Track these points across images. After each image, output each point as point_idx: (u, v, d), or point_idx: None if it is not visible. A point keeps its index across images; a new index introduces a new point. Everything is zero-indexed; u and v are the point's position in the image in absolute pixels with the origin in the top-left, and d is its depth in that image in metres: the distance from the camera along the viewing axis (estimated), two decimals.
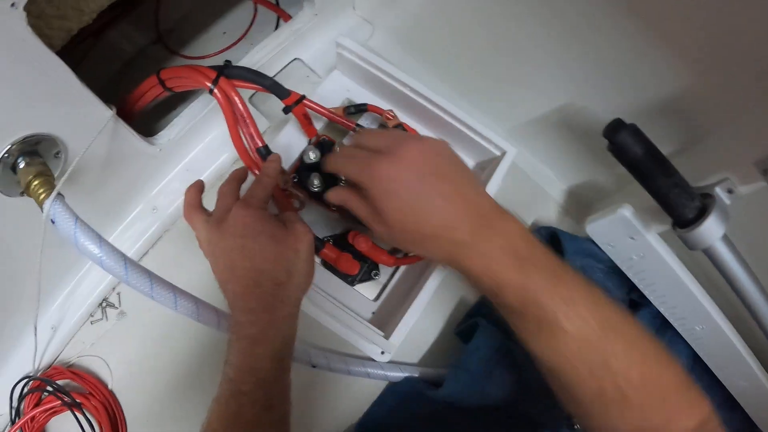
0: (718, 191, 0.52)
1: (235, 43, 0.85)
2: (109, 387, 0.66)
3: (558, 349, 0.42)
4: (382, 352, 0.68)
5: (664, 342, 0.56)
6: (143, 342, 0.68)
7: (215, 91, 0.56)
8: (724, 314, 0.62)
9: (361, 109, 0.65)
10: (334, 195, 0.52)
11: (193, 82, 0.57)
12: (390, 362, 0.68)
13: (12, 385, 0.62)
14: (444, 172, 0.45)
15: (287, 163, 0.66)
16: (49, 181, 0.46)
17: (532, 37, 0.63)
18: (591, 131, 0.66)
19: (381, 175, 0.44)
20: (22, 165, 0.46)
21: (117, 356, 0.67)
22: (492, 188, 0.65)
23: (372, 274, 0.66)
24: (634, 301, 0.69)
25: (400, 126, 0.65)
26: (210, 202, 0.52)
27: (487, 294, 0.45)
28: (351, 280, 0.65)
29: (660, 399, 0.42)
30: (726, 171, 0.53)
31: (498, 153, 0.68)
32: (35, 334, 0.61)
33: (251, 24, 0.87)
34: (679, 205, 0.52)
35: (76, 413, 0.62)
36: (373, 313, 0.66)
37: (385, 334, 0.59)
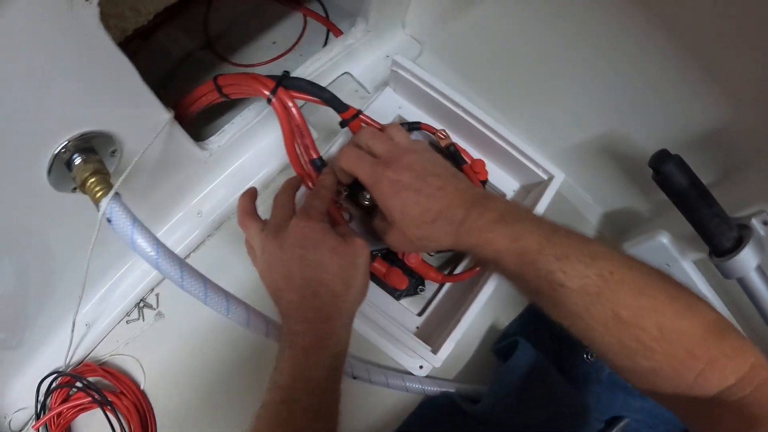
0: (755, 223, 0.54)
1: (284, 54, 0.83)
2: (142, 387, 0.64)
3: (567, 307, 0.42)
4: (421, 367, 0.67)
5: None
6: (179, 345, 0.66)
7: (273, 101, 0.54)
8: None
9: (414, 127, 0.65)
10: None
11: (251, 90, 0.56)
12: (428, 377, 0.67)
13: (39, 380, 0.60)
14: (438, 172, 0.49)
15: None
16: (105, 179, 0.44)
17: (581, 63, 0.63)
18: (632, 159, 0.67)
19: (385, 181, 0.48)
20: (78, 161, 0.44)
21: (151, 357, 0.65)
22: (539, 212, 0.63)
23: (417, 289, 0.65)
24: None
25: (452, 146, 0.64)
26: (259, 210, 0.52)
27: (491, 265, 0.47)
28: (398, 294, 0.65)
29: (685, 351, 0.38)
30: (763, 203, 0.55)
31: (545, 177, 0.67)
32: (72, 330, 0.59)
33: (301, 35, 0.85)
34: (718, 235, 0.53)
35: (107, 412, 0.60)
36: (417, 327, 0.65)
37: (433, 348, 0.58)
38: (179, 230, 0.67)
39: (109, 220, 0.42)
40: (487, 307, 0.65)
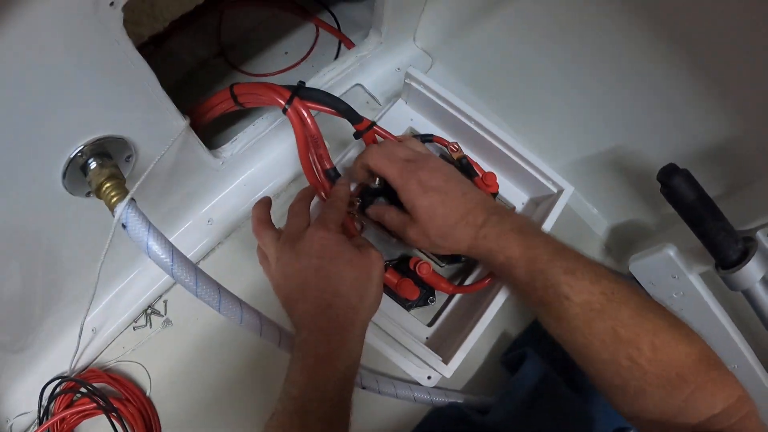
0: (760, 236, 0.54)
1: (297, 64, 0.82)
2: (147, 394, 0.62)
3: (568, 320, 0.43)
4: (429, 377, 0.66)
5: None
6: (186, 352, 0.64)
7: (289, 111, 0.53)
8: (756, 354, 0.63)
9: (426, 139, 0.64)
10: (373, 211, 0.58)
11: (267, 99, 0.54)
12: (436, 387, 0.66)
13: (43, 385, 0.59)
14: (460, 179, 0.53)
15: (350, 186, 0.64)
16: (120, 184, 0.43)
17: (589, 76, 0.63)
18: (639, 172, 0.67)
19: (414, 180, 0.50)
20: (93, 166, 0.43)
21: (158, 364, 0.63)
22: (548, 224, 0.63)
23: (428, 300, 0.64)
24: None
25: (465, 158, 0.63)
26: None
27: (503, 272, 0.48)
28: (409, 305, 0.63)
29: (676, 374, 0.40)
30: None
31: (555, 190, 0.66)
32: (80, 335, 0.57)
33: (313, 46, 0.84)
34: (725, 247, 0.53)
35: (112, 419, 0.58)
36: (427, 337, 0.64)
37: (443, 358, 0.57)
38: (189, 237, 0.65)
39: (124, 226, 0.41)
40: (495, 318, 0.64)
